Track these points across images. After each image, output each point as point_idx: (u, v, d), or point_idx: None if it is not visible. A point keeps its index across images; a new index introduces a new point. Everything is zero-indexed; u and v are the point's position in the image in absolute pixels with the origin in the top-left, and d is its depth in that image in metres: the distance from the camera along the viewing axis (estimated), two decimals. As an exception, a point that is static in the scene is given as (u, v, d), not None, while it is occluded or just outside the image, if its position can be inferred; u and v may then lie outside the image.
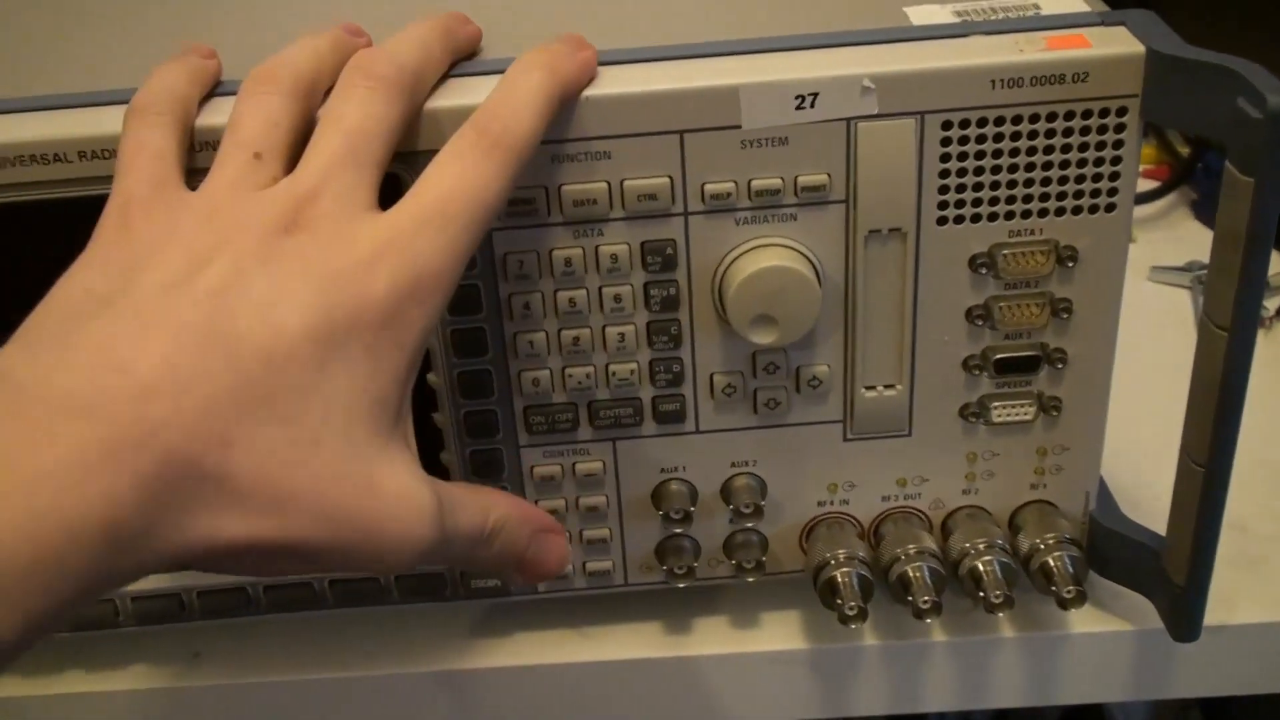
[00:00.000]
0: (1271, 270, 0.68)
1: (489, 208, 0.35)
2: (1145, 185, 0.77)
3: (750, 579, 0.47)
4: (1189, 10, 0.83)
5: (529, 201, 0.40)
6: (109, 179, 0.36)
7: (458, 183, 0.34)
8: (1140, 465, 0.51)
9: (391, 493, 0.33)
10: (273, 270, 0.32)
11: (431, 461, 0.45)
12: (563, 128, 0.39)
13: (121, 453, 0.29)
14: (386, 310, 0.32)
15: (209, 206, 0.34)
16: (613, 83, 0.39)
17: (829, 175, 0.40)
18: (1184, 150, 0.78)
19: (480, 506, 0.36)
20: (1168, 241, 0.73)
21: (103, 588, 0.29)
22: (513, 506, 0.37)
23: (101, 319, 0.31)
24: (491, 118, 0.36)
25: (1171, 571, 0.44)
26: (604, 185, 0.40)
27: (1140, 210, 0.75)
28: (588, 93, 0.39)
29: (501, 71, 0.38)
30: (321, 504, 0.31)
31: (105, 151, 0.39)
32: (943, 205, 0.41)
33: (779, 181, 0.40)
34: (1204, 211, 0.76)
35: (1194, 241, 0.72)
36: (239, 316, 0.31)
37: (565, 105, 0.38)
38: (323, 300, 0.32)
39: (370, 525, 0.32)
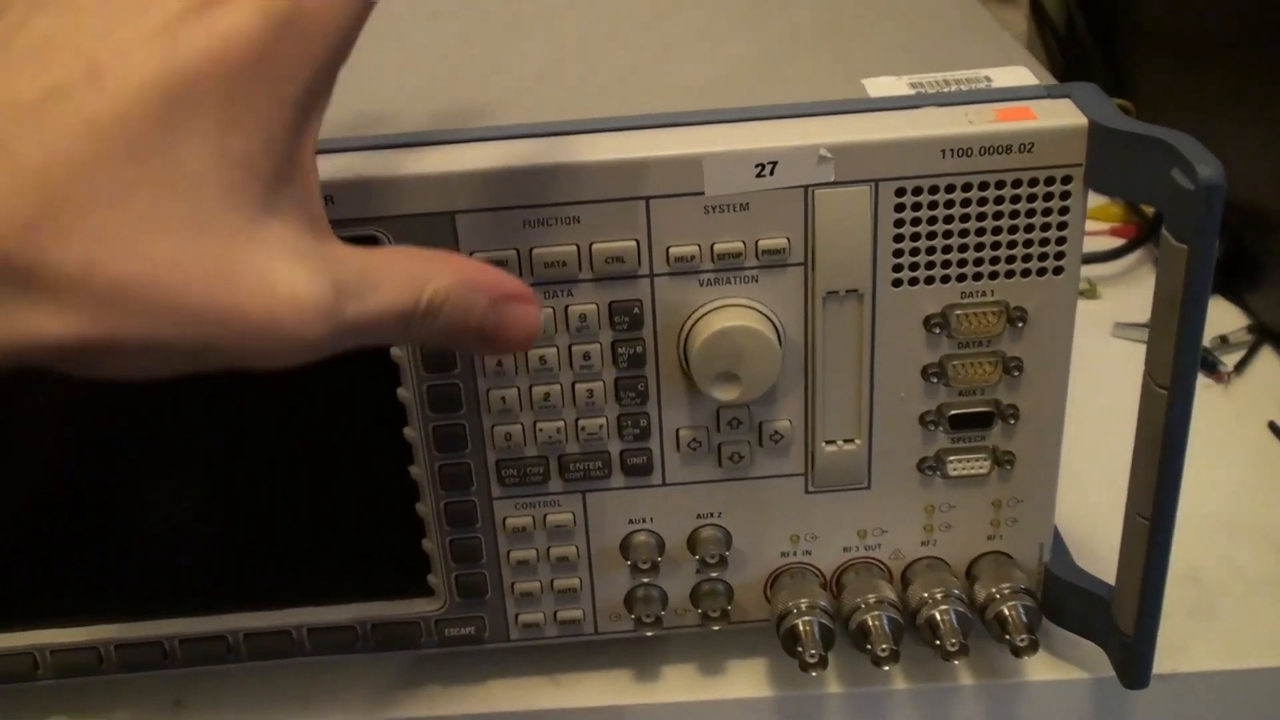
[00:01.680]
0: (1231, 327, 0.71)
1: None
2: (1111, 243, 0.79)
3: (716, 627, 0.48)
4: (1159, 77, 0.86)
5: (501, 263, 0.42)
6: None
7: None
8: (1101, 516, 0.52)
9: (255, 277, 0.28)
10: (102, 13, 0.27)
11: (407, 513, 0.46)
12: (534, 193, 0.41)
13: None
14: (251, 51, 0.27)
15: None
16: (582, 150, 0.41)
17: (788, 239, 0.42)
18: (1149, 209, 0.80)
19: (411, 280, 0.32)
20: (1132, 298, 0.75)
21: None
22: (458, 274, 0.33)
23: None
24: None
25: (1120, 622, 0.45)
26: (573, 248, 0.42)
27: (1105, 267, 0.77)
28: (559, 160, 0.41)
29: (484, 139, 0.41)
30: (162, 294, 0.27)
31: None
32: (897, 268, 0.43)
33: (740, 245, 0.42)
34: (1167, 268, 0.77)
35: (1157, 298, 0.74)
36: (55, 69, 0.27)
37: None
38: (159, 41, 0.27)
39: (229, 317, 0.28)
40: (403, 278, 0.32)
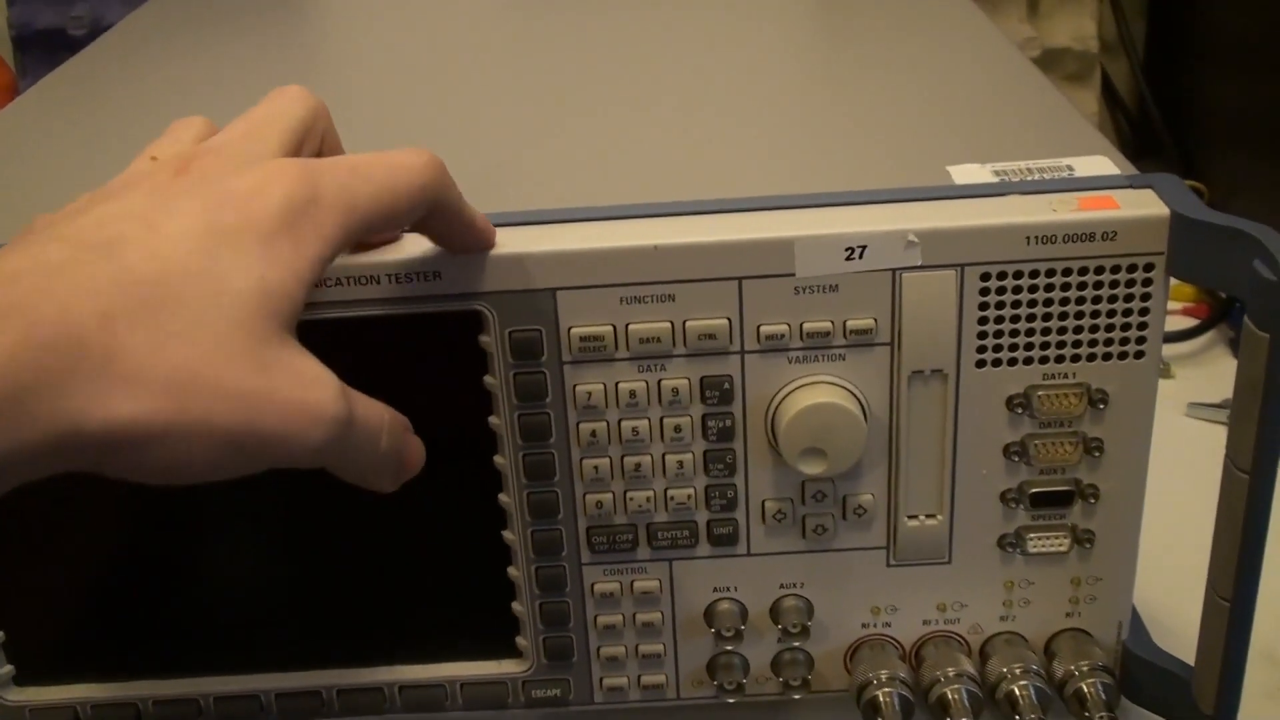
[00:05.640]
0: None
1: (401, 184, 0.37)
2: (1184, 323, 0.79)
3: (796, 696, 0.49)
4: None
5: (599, 338, 0.44)
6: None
7: (375, 157, 0.37)
8: (1175, 595, 0.53)
9: (294, 370, 0.33)
10: (160, 197, 0.34)
11: (499, 576, 0.48)
12: (632, 272, 0.43)
13: None
14: (279, 219, 0.33)
15: (106, 185, 0.37)
16: (679, 232, 0.43)
17: (875, 320, 0.44)
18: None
19: (378, 404, 0.37)
20: (1205, 378, 0.75)
21: None
22: (389, 409, 0.38)
23: None
24: (424, 149, 0.39)
25: (1200, 701, 0.46)
26: (668, 325, 0.44)
27: (1179, 347, 0.78)
28: (656, 241, 0.43)
29: (585, 220, 0.43)
30: (218, 378, 0.31)
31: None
32: (981, 349, 0.44)
33: (829, 324, 0.44)
34: (1241, 349, 0.78)
35: (1231, 378, 0.74)
36: (119, 226, 0.32)
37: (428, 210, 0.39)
38: (208, 209, 0.33)
39: (274, 398, 0.32)
40: (368, 399, 0.37)
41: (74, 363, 0.30)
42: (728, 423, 0.45)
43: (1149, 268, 0.43)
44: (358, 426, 0.35)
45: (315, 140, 0.40)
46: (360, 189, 0.36)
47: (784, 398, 0.44)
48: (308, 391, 0.33)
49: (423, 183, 0.38)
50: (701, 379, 0.45)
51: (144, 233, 0.32)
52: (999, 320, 0.44)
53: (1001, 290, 0.43)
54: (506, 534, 0.47)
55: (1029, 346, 0.44)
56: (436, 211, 0.40)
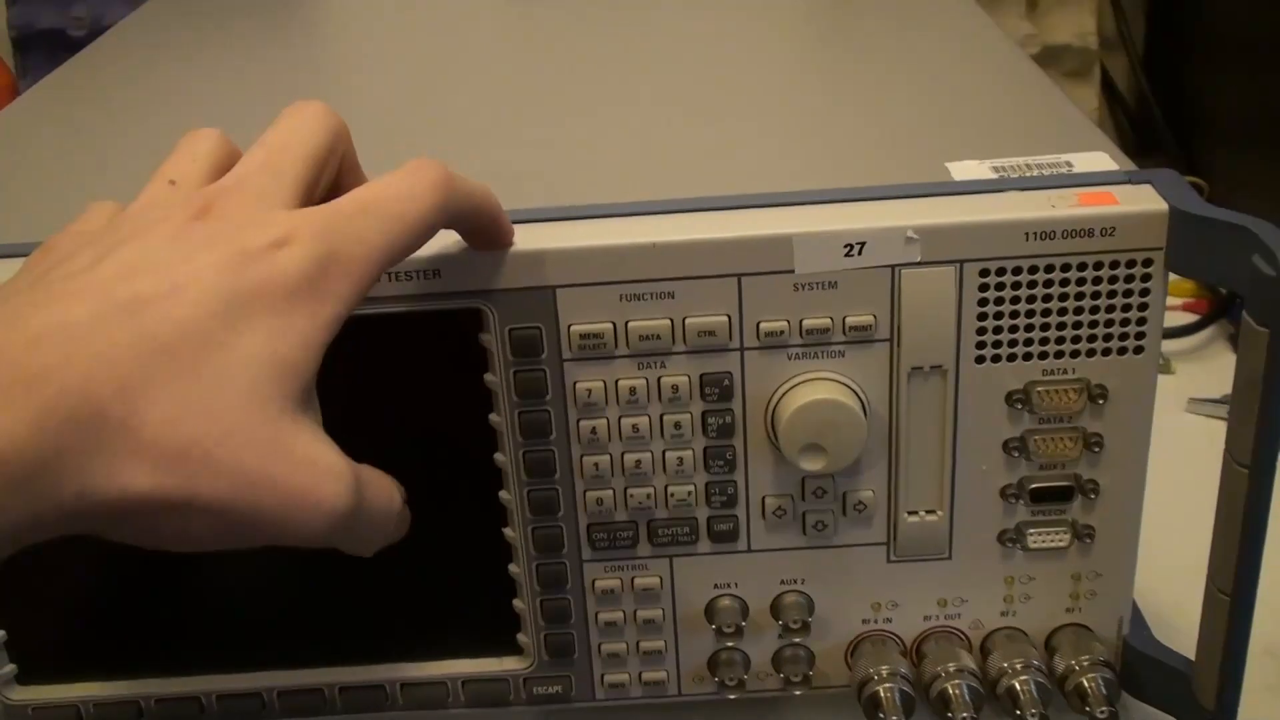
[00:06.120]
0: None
1: (413, 216, 0.36)
2: (1185, 319, 0.79)
3: (798, 692, 0.49)
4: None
5: (599, 335, 0.44)
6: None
7: (384, 190, 0.36)
8: (1176, 590, 0.53)
9: (304, 456, 0.33)
10: (181, 246, 0.33)
11: (500, 574, 0.48)
12: (631, 269, 0.43)
13: (11, 391, 0.30)
14: (297, 283, 0.33)
15: (124, 214, 0.36)
16: (679, 229, 0.43)
17: (875, 316, 0.44)
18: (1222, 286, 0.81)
19: (388, 485, 0.37)
20: (1206, 373, 0.75)
21: (5, 529, 0.30)
22: (399, 488, 0.38)
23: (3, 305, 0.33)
24: (431, 163, 0.38)
25: (1201, 696, 0.46)
26: (667, 322, 0.44)
27: (1179, 343, 0.78)
28: (656, 238, 0.43)
29: (585, 218, 0.43)
30: (228, 460, 0.31)
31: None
32: (980, 345, 0.44)
33: (828, 321, 0.44)
34: (1241, 345, 0.78)
35: (1231, 373, 0.74)
36: (141, 282, 0.32)
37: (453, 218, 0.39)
38: (228, 269, 0.33)
39: (281, 486, 0.32)
40: (383, 481, 0.37)
41: (93, 436, 0.30)
42: (728, 419, 0.45)
43: (1148, 263, 0.43)
44: (366, 511, 0.35)
45: (334, 165, 0.39)
46: (374, 232, 0.35)
47: (784, 394, 0.44)
48: (316, 482, 0.33)
49: (433, 204, 0.37)
50: (701, 376, 0.45)
51: (165, 293, 0.32)
52: (998, 316, 0.44)
53: (1000, 286, 0.43)
54: (507, 531, 0.47)
55: (1028, 342, 0.44)
56: (450, 225, 0.39)
